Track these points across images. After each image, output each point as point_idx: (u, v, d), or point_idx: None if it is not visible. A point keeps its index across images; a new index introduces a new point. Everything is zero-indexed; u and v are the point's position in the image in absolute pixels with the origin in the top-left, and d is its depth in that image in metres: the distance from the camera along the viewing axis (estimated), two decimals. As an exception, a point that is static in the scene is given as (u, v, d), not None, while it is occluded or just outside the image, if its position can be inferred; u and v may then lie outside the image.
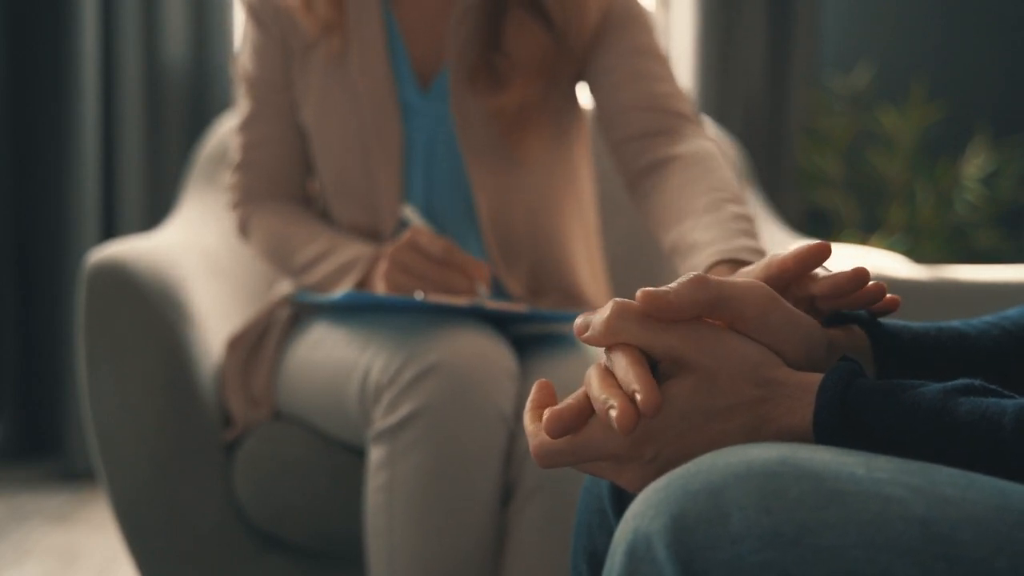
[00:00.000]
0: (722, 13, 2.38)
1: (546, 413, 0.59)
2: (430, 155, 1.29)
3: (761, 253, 0.94)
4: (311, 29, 1.27)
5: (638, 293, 0.58)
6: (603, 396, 0.56)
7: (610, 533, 0.68)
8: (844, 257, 1.56)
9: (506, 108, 1.23)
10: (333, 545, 1.30)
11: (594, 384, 0.58)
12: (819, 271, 0.66)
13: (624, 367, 0.57)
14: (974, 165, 2.34)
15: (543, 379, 0.66)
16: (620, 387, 0.57)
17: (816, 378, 0.56)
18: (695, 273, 0.58)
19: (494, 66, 1.23)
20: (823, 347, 0.61)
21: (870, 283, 0.64)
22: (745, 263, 0.91)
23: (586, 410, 0.59)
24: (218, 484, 1.30)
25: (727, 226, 0.97)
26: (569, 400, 0.59)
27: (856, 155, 2.44)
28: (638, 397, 0.55)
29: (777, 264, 0.65)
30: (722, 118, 2.36)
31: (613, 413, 0.55)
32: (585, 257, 1.36)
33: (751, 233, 0.97)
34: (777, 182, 2.41)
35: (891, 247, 2.21)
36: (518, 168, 1.28)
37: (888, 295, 0.66)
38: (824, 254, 0.64)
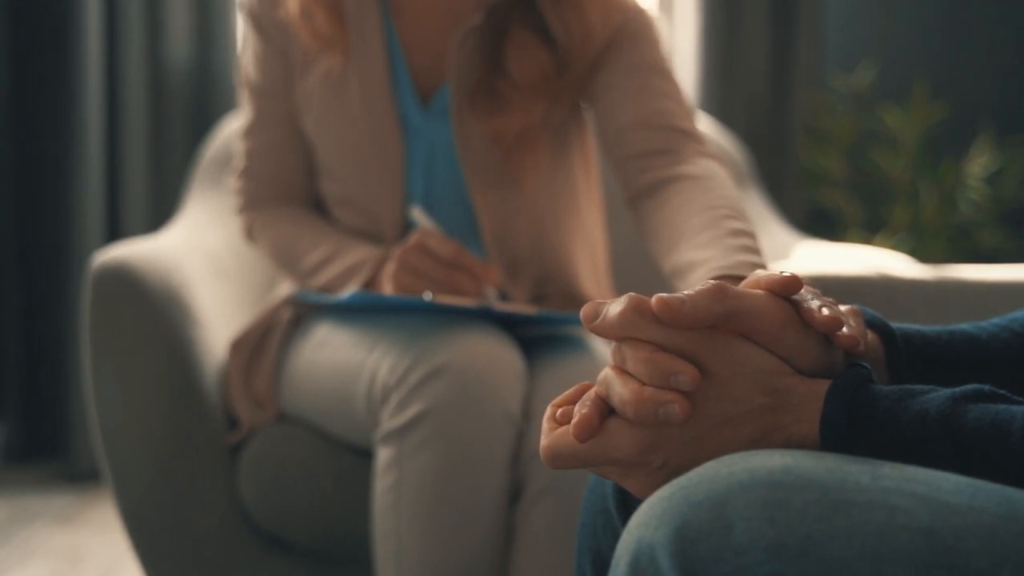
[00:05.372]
0: (724, 13, 2.37)
1: (574, 416, 0.59)
2: (429, 169, 1.28)
3: (763, 267, 0.91)
4: (311, 44, 1.26)
5: (653, 299, 0.58)
6: (649, 394, 0.56)
7: (614, 533, 0.68)
8: (848, 257, 1.56)
9: (507, 131, 1.22)
10: (338, 547, 1.30)
11: (616, 386, 0.58)
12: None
13: (646, 358, 0.56)
14: (978, 164, 2.34)
15: (586, 381, 0.65)
16: (639, 383, 0.56)
17: (825, 385, 0.56)
18: (713, 281, 0.58)
19: (495, 88, 1.22)
20: (841, 358, 0.60)
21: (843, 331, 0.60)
22: (744, 278, 0.89)
23: (604, 413, 0.58)
24: (223, 486, 1.30)
25: (725, 242, 0.95)
26: (588, 404, 0.59)
27: (859, 155, 2.43)
28: (681, 378, 0.55)
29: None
30: (725, 118, 2.35)
31: (665, 410, 0.55)
32: (589, 267, 1.36)
33: (751, 248, 0.94)
34: (780, 182, 2.40)
35: (895, 247, 2.21)
36: (520, 187, 1.27)
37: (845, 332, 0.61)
38: (795, 287, 0.60)
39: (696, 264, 0.94)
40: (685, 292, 0.57)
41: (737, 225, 0.98)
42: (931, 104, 2.37)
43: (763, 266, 0.92)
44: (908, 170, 2.37)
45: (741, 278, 0.88)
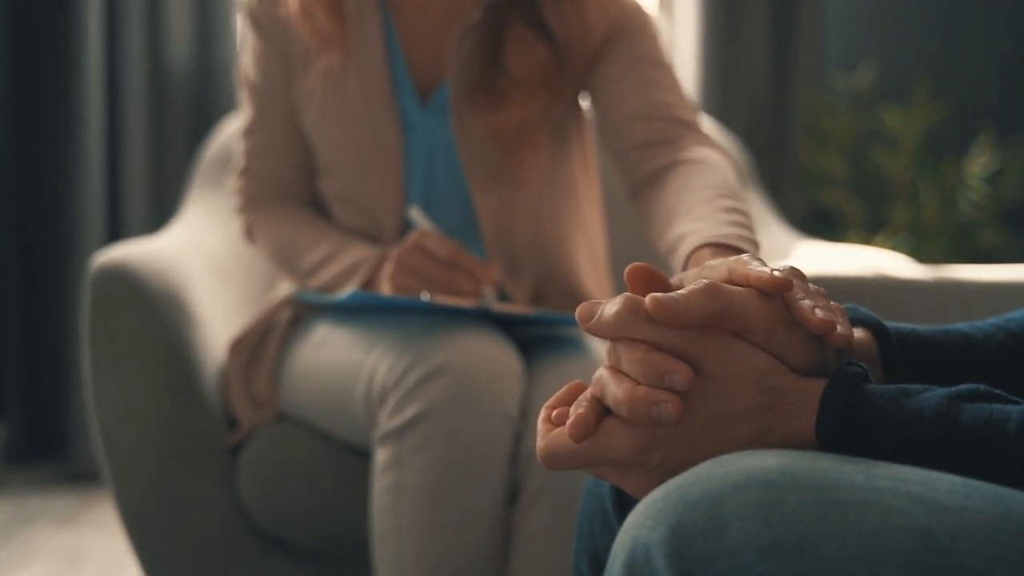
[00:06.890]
0: (724, 13, 2.37)
1: (570, 417, 0.59)
2: (429, 167, 1.28)
3: (753, 242, 0.91)
4: (311, 41, 1.26)
5: (647, 299, 0.58)
6: (642, 394, 0.56)
7: (611, 534, 0.68)
8: (847, 257, 1.56)
9: (506, 127, 1.22)
10: (338, 547, 1.30)
11: (611, 386, 0.58)
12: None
13: (640, 358, 0.57)
14: (978, 164, 2.34)
15: (578, 380, 0.65)
16: (633, 383, 0.56)
17: (820, 384, 0.56)
18: (706, 281, 0.58)
19: (495, 85, 1.22)
20: (832, 355, 0.60)
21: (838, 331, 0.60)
22: (732, 248, 0.89)
23: (600, 414, 0.59)
24: (223, 486, 1.30)
25: (717, 216, 0.94)
26: (584, 404, 0.59)
27: (860, 154, 2.43)
28: (675, 377, 0.55)
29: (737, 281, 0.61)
30: (725, 118, 2.35)
31: (658, 410, 0.55)
32: (589, 263, 1.36)
33: (744, 224, 0.94)
34: (780, 182, 2.40)
35: (895, 247, 2.20)
36: (519, 184, 1.27)
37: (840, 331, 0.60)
38: (784, 288, 0.59)
39: (685, 235, 0.94)
40: (679, 292, 0.57)
41: (731, 203, 0.98)
42: (931, 104, 2.37)
43: (754, 241, 0.92)
44: (908, 170, 2.37)
45: (729, 247, 0.88)
